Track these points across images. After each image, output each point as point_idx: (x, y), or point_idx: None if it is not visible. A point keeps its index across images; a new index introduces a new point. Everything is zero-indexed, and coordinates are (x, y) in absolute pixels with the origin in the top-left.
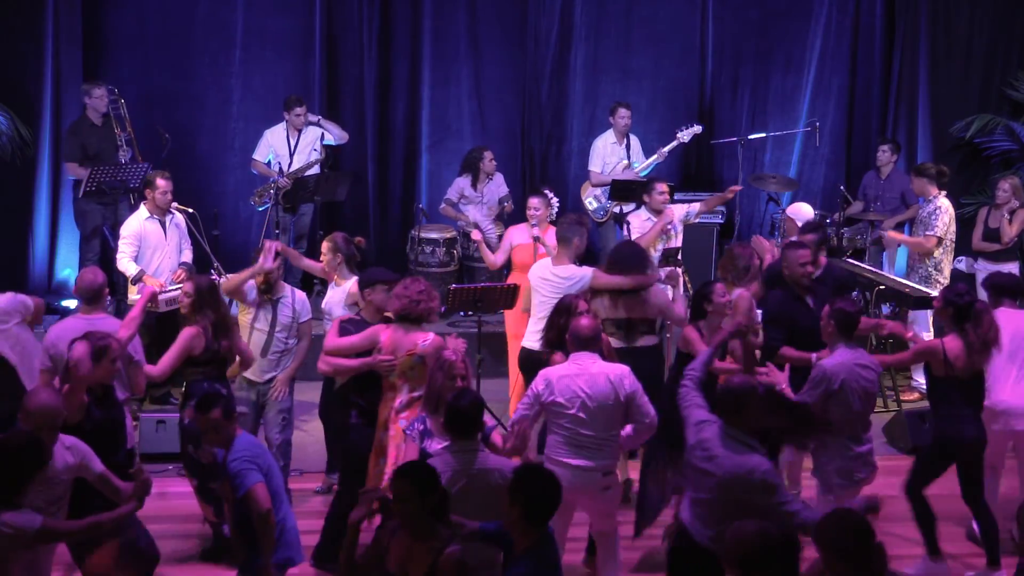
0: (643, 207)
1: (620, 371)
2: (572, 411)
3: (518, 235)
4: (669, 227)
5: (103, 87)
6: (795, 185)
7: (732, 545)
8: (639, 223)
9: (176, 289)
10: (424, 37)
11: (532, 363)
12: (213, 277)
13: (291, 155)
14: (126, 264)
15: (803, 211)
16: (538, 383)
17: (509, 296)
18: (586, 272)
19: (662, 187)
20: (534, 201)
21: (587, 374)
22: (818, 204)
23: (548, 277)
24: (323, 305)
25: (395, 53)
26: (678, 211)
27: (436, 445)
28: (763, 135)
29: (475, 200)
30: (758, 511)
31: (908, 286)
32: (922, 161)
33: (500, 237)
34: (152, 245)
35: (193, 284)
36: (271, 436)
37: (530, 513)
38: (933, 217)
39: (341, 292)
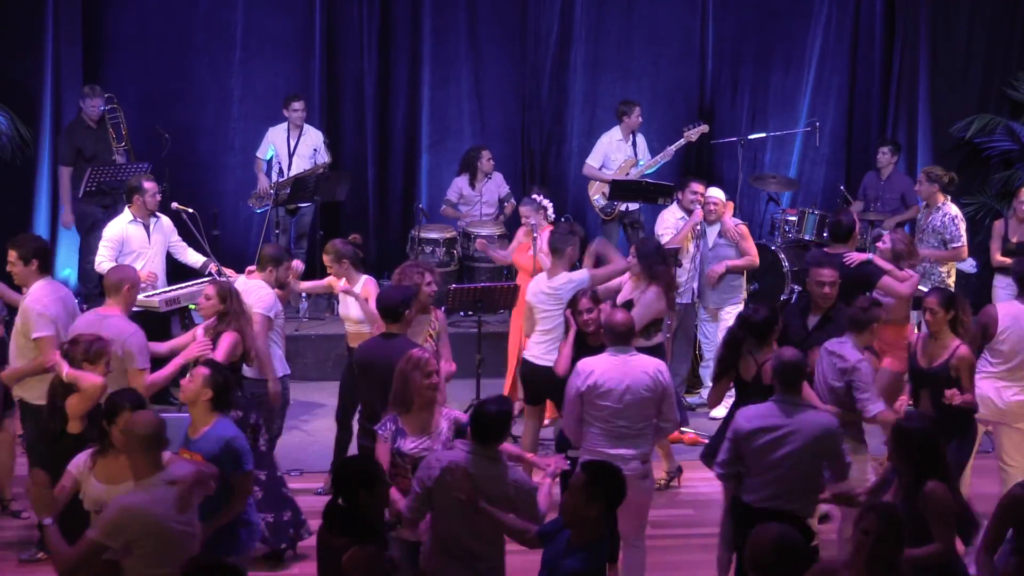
0: (676, 204)
1: (657, 364)
2: (609, 403)
3: (521, 236)
4: (698, 227)
5: (99, 96)
6: (795, 185)
7: (750, 549)
8: (673, 221)
9: (175, 289)
10: (424, 37)
11: (537, 378)
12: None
13: (290, 156)
14: (105, 267)
15: (717, 194)
16: (577, 376)
17: (510, 296)
18: (582, 275)
19: (696, 187)
20: (523, 210)
21: (625, 366)
22: (818, 204)
23: (545, 291)
24: (339, 311)
25: (395, 53)
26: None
27: (409, 444)
28: (763, 135)
29: (473, 200)
30: None
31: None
32: (924, 162)
33: (500, 236)
34: (134, 249)
35: (217, 288)
36: None
37: (611, 508)
38: (952, 227)
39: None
